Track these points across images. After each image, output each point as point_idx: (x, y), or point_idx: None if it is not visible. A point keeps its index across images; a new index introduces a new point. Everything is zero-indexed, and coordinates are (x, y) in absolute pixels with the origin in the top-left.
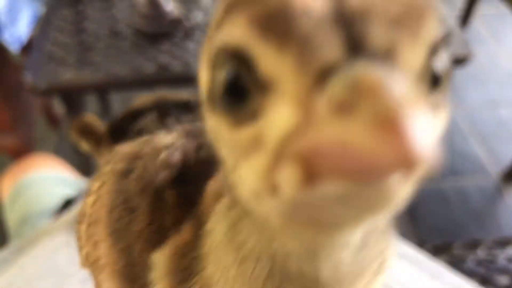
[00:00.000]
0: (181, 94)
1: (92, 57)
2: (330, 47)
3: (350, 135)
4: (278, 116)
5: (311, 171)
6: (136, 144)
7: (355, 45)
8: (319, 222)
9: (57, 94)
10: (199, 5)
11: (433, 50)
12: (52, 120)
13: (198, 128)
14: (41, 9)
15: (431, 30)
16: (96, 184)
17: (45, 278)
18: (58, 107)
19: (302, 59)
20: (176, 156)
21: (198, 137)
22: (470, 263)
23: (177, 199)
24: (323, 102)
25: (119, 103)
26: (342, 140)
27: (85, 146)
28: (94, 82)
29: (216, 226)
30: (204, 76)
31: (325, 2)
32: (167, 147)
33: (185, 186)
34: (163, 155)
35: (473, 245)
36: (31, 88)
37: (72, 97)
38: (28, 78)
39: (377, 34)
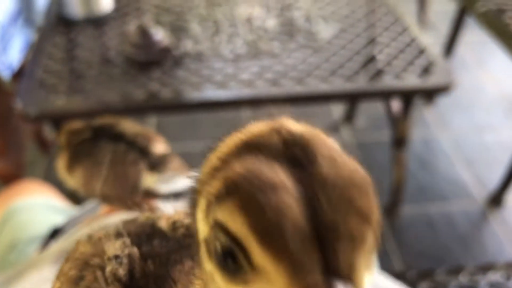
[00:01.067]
0: (123, 123)
1: (83, 84)
2: (310, 271)
3: None
4: None
5: None
6: (88, 247)
7: (328, 267)
8: None
9: (48, 121)
10: (188, 34)
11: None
12: (43, 145)
13: (142, 231)
14: (33, 36)
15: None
16: (56, 284)
17: None
18: (49, 132)
19: (290, 277)
20: (123, 269)
21: (143, 244)
22: None
23: None
24: None
25: None
26: None
27: (70, 181)
28: (85, 109)
29: None
30: (201, 226)
31: (307, 225)
32: (115, 257)
33: None
34: (110, 268)
35: (456, 271)
36: (22, 115)
37: (63, 123)
38: (19, 104)
39: (342, 261)
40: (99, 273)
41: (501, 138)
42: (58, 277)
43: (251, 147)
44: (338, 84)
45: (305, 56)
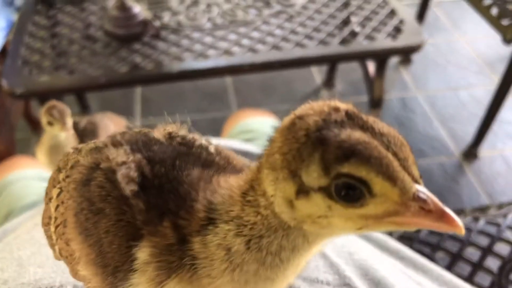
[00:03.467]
0: None
1: (66, 61)
2: (409, 182)
3: (425, 219)
4: (381, 206)
5: (399, 224)
6: (89, 156)
7: (413, 179)
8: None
9: (35, 98)
10: (166, 6)
11: None
12: (33, 123)
13: (137, 140)
14: (14, 16)
15: None
16: (54, 191)
17: (24, 248)
18: (38, 110)
19: (401, 190)
20: (134, 172)
21: (143, 151)
22: (422, 232)
23: (145, 205)
24: (414, 204)
25: (97, 102)
26: (431, 223)
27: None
28: (69, 84)
29: (216, 237)
30: (310, 175)
31: (397, 162)
32: (123, 163)
33: (150, 197)
34: (123, 171)
35: None
36: (8, 93)
37: (50, 99)
38: (5, 83)
39: (415, 173)
40: (110, 175)
41: (475, 95)
42: (53, 185)
43: (327, 122)
44: (312, 48)
45: (280, 21)
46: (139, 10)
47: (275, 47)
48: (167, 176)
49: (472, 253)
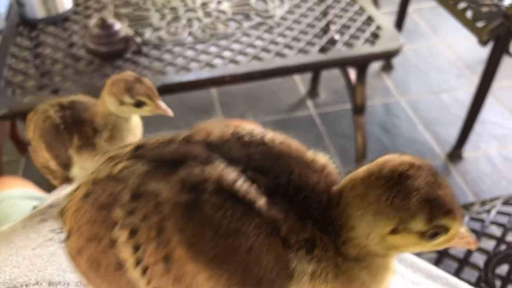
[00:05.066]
0: None
1: (49, 80)
2: (461, 218)
3: (468, 245)
4: (448, 239)
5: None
6: (163, 182)
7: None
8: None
9: (19, 118)
10: (147, 23)
11: None
12: (20, 145)
13: (214, 148)
14: None
15: None
16: (120, 233)
17: (1, 252)
18: (23, 131)
19: (460, 226)
20: (250, 185)
21: (233, 160)
22: None
23: (284, 214)
24: (463, 234)
25: None
26: (465, 244)
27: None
28: None
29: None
30: (416, 226)
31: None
32: (236, 180)
33: (281, 205)
34: (243, 187)
35: None
36: None
37: None
38: None
39: (460, 213)
40: (223, 194)
41: (457, 97)
42: (106, 228)
43: (401, 177)
44: (292, 57)
45: (260, 33)
46: (120, 27)
47: (256, 57)
48: (286, 181)
49: (458, 250)
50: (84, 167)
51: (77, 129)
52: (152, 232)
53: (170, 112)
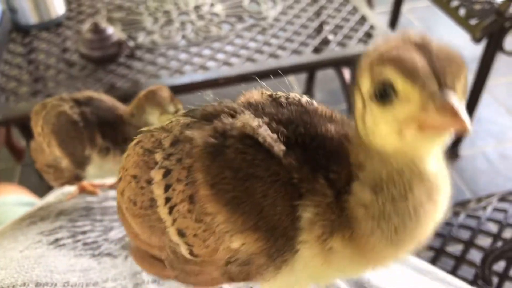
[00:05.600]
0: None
1: (43, 86)
2: (434, 85)
3: (444, 118)
4: (406, 108)
5: (422, 128)
6: (195, 129)
7: (442, 84)
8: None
9: (14, 125)
10: (140, 26)
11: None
12: (15, 153)
13: (249, 105)
14: None
15: (465, 77)
16: (156, 173)
17: None
18: (18, 138)
19: (423, 90)
20: (273, 133)
21: (263, 114)
22: None
23: (298, 163)
24: (433, 106)
25: None
26: (440, 120)
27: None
28: None
29: (361, 189)
30: (364, 86)
31: (427, 67)
32: (259, 126)
33: (298, 155)
34: (265, 133)
35: None
36: None
37: (29, 126)
38: None
39: (449, 81)
40: (246, 140)
41: None
42: (147, 167)
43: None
44: (286, 58)
45: (253, 34)
46: (113, 31)
47: (250, 59)
48: (309, 134)
49: (455, 247)
50: (101, 167)
51: (101, 130)
52: (182, 173)
53: None
